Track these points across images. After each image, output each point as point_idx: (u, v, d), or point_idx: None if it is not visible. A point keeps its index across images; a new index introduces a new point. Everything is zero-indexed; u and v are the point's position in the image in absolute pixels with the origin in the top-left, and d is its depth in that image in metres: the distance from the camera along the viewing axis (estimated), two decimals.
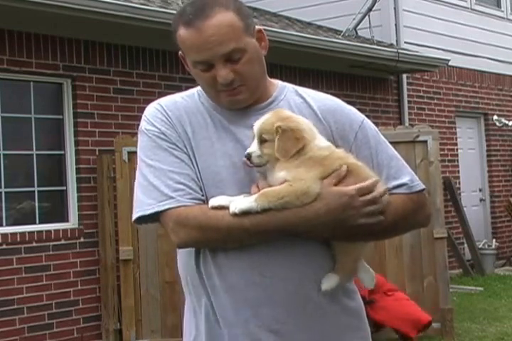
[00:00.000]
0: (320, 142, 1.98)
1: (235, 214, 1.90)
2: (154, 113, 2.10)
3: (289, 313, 1.98)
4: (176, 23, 2.02)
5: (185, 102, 2.11)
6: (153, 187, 2.01)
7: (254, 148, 1.96)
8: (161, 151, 2.04)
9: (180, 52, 2.09)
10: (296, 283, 1.98)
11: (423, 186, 2.11)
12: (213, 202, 1.96)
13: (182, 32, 2.00)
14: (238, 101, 2.04)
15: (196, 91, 2.14)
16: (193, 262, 2.04)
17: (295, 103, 2.11)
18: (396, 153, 2.15)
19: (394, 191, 2.06)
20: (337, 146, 2.05)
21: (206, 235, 1.95)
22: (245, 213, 1.90)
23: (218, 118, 2.07)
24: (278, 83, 2.17)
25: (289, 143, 1.92)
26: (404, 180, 2.08)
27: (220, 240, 1.96)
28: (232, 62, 1.98)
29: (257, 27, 2.06)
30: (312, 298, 2.00)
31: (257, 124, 1.97)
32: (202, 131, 2.06)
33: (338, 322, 2.04)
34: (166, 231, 2.02)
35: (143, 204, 2.02)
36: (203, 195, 2.01)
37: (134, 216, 2.05)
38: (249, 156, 1.95)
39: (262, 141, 1.95)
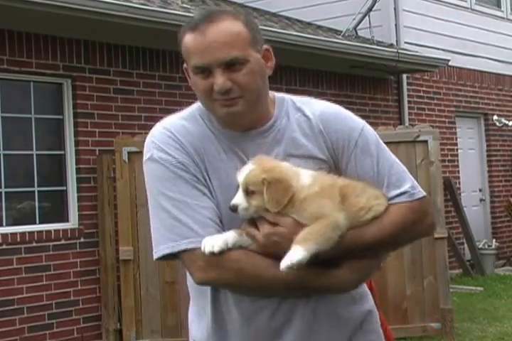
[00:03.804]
0: (305, 180, 1.94)
1: (290, 269, 1.81)
2: (165, 139, 1.98)
3: (301, 320, 1.97)
4: (183, 32, 1.97)
5: (193, 127, 2.02)
6: (178, 221, 1.91)
7: (240, 200, 1.91)
8: (183, 183, 1.94)
9: (184, 65, 2.03)
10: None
11: (424, 193, 2.06)
12: (209, 247, 1.87)
13: (187, 37, 1.95)
14: (234, 113, 1.94)
15: (197, 112, 2.05)
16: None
17: (294, 118, 2.05)
18: (395, 158, 2.09)
19: (395, 200, 2.01)
20: (337, 155, 2.03)
21: (241, 280, 1.89)
22: (300, 265, 1.81)
23: (226, 143, 2.01)
24: (275, 98, 2.09)
25: (279, 194, 1.89)
26: (406, 187, 2.02)
27: (253, 288, 1.92)
28: (232, 71, 1.91)
29: (265, 46, 2.00)
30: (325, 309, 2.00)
31: (242, 176, 1.92)
32: (216, 160, 1.99)
33: (348, 328, 2.04)
34: (188, 267, 1.94)
35: (166, 239, 1.93)
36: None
37: (160, 252, 1.94)
38: (235, 208, 1.90)
39: (249, 193, 1.91)
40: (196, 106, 2.07)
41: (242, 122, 1.99)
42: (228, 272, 1.88)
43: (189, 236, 1.90)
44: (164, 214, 1.93)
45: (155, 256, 1.97)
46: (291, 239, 1.84)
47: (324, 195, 1.91)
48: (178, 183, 1.94)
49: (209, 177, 1.97)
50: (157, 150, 1.97)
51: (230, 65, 1.91)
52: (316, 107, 2.08)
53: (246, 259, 1.89)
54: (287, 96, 2.11)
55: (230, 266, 1.88)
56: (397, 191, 2.01)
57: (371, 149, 2.04)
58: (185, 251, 1.91)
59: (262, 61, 1.98)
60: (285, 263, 1.81)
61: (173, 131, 1.99)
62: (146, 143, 2.02)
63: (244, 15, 1.98)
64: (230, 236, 1.90)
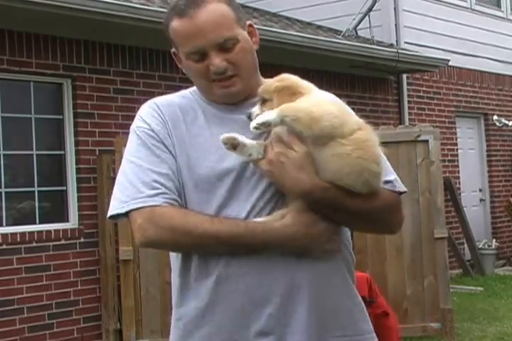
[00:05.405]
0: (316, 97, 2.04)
1: (256, 128, 1.90)
2: (149, 111, 2.08)
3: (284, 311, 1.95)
4: (169, 17, 2.05)
5: (179, 100, 2.10)
6: (130, 184, 1.98)
7: (255, 108, 1.98)
8: (145, 149, 2.01)
9: (173, 50, 2.08)
10: (288, 282, 1.95)
11: (405, 189, 2.09)
12: (225, 137, 1.94)
13: (175, 23, 2.01)
14: (231, 93, 2.01)
15: (189, 91, 2.13)
16: (189, 271, 2.01)
17: None
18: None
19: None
20: None
21: (176, 238, 1.93)
22: (266, 125, 1.90)
23: (212, 112, 2.05)
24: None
25: (287, 98, 1.95)
26: (391, 177, 2.06)
27: (189, 245, 1.95)
28: (225, 51, 1.98)
29: (247, 21, 2.07)
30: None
31: (260, 88, 2.02)
32: (194, 127, 2.03)
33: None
34: (133, 229, 2.00)
35: (119, 201, 2.00)
36: (179, 197, 1.99)
37: (109, 214, 2.03)
38: (249, 115, 1.97)
39: (263, 101, 1.98)
40: (188, 89, 2.15)
41: (238, 100, 2.06)
42: (163, 230, 1.92)
43: (136, 197, 1.96)
44: (122, 177, 2.02)
45: (108, 216, 2.04)
46: (299, 166, 1.90)
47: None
48: (141, 149, 2.01)
49: (185, 143, 2.01)
50: (138, 121, 2.08)
51: (223, 46, 1.97)
52: None
53: (179, 216, 1.93)
54: None
55: (164, 223, 1.92)
56: (384, 178, 2.03)
57: None
58: (131, 211, 1.97)
59: (248, 38, 2.05)
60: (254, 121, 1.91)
61: (157, 103, 2.09)
62: None
63: None
64: (249, 140, 1.96)
